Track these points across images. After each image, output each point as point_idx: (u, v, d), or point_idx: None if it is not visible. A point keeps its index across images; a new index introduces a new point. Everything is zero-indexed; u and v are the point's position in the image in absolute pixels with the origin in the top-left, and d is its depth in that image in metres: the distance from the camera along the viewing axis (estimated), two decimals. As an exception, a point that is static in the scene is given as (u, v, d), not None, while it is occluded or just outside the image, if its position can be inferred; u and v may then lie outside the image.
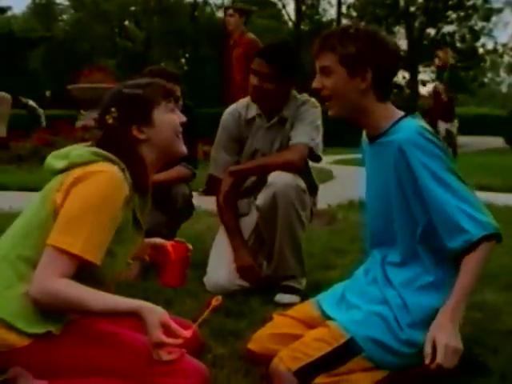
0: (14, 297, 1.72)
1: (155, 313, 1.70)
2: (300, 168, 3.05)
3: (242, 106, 3.30)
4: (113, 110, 1.88)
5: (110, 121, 1.87)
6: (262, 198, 3.01)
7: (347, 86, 2.00)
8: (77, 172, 1.76)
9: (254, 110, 3.25)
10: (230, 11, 6.82)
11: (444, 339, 1.81)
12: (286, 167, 3.00)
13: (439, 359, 1.79)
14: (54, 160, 1.85)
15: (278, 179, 2.95)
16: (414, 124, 1.97)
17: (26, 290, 1.71)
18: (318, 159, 3.17)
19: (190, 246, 2.11)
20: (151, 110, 1.90)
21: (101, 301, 1.71)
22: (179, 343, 1.70)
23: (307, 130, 3.11)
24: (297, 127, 3.13)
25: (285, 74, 3.08)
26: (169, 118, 1.92)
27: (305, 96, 3.25)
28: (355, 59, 1.97)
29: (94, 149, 1.84)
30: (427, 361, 1.81)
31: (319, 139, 3.15)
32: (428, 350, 1.82)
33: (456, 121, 12.74)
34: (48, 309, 1.71)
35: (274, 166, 3.04)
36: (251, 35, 7.03)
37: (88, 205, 1.71)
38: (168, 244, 2.09)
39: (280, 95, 3.14)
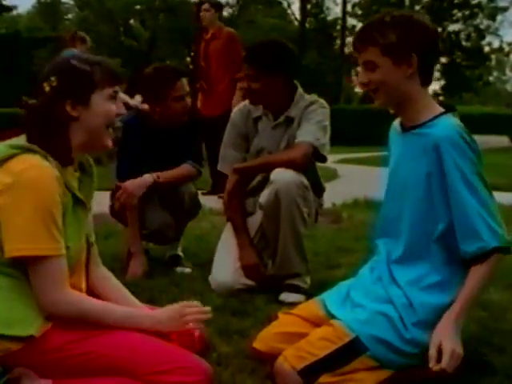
0: None
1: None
2: (303, 166, 3.04)
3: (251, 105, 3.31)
4: (53, 78, 1.79)
5: (47, 89, 1.79)
6: (264, 196, 3.01)
7: (394, 76, 1.97)
8: (3, 173, 1.70)
9: (260, 109, 3.26)
10: (206, 6, 6.80)
11: (450, 345, 1.82)
12: (288, 165, 3.00)
13: (444, 364, 1.80)
14: None
15: (281, 176, 2.95)
16: (454, 122, 1.96)
17: (2, 297, 1.71)
18: (323, 160, 3.16)
19: (197, 333, 1.98)
20: (92, 90, 1.82)
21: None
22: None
23: (313, 130, 3.11)
24: (303, 126, 3.13)
25: (266, 71, 3.08)
26: (106, 106, 1.84)
27: (313, 96, 3.25)
28: (398, 47, 1.94)
29: (11, 142, 1.77)
30: (431, 364, 1.81)
31: (325, 140, 3.14)
32: (433, 353, 1.82)
33: None
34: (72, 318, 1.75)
35: (277, 163, 3.04)
36: (229, 29, 7.10)
37: (33, 207, 1.67)
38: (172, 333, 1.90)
39: (270, 93, 3.13)
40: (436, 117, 1.99)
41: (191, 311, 1.86)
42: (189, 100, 3.50)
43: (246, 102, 3.35)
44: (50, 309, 1.72)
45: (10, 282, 1.73)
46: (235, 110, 3.37)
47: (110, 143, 1.88)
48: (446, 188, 1.93)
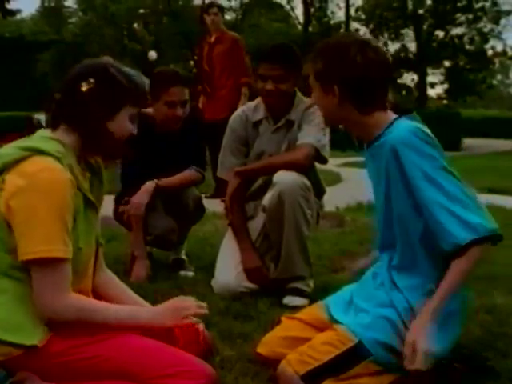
0: None
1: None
2: (305, 167, 3.05)
3: (249, 109, 3.31)
4: (91, 80, 1.81)
5: (84, 88, 1.81)
6: (268, 198, 3.02)
7: (324, 101, 2.02)
8: (15, 176, 1.71)
9: (261, 113, 3.26)
10: (215, 10, 6.85)
11: (424, 344, 1.80)
12: (291, 166, 3.01)
13: (418, 365, 1.79)
14: None
15: (283, 178, 2.95)
16: (408, 124, 1.94)
17: (4, 301, 1.71)
18: (324, 161, 3.17)
19: (201, 327, 1.99)
20: (122, 106, 1.85)
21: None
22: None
23: (313, 132, 3.12)
24: (303, 128, 3.15)
25: (294, 71, 3.11)
26: (126, 124, 1.87)
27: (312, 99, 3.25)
28: (323, 75, 1.99)
29: (23, 143, 1.78)
30: (406, 363, 1.81)
31: (326, 141, 3.15)
32: (407, 352, 1.82)
33: None
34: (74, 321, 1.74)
35: (280, 165, 3.04)
36: (233, 33, 7.13)
37: (44, 209, 1.68)
38: (176, 327, 1.93)
39: (292, 93, 3.17)
40: (390, 125, 1.98)
41: (188, 304, 1.86)
42: (183, 110, 3.44)
43: (244, 106, 3.35)
44: (48, 312, 1.72)
45: (19, 287, 1.73)
46: (233, 115, 3.37)
47: (119, 158, 1.96)
48: (413, 192, 1.91)
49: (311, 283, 3.13)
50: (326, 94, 2.00)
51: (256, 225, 3.26)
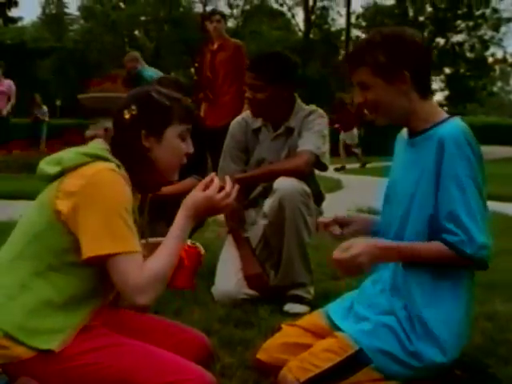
0: (16, 308, 1.71)
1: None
2: (305, 173, 3.06)
3: (249, 116, 3.32)
4: (133, 107, 1.85)
5: (127, 116, 1.85)
6: (268, 204, 3.02)
7: (388, 94, 1.98)
8: (75, 178, 1.73)
9: (260, 120, 3.27)
10: (218, 17, 6.82)
11: (358, 250, 1.90)
12: (291, 173, 3.01)
13: (337, 255, 1.96)
14: (47, 166, 1.81)
15: (284, 184, 2.96)
16: (461, 124, 1.95)
17: (28, 301, 1.71)
18: (324, 168, 3.18)
19: (203, 251, 2.09)
20: (167, 125, 1.87)
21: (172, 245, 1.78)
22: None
23: (313, 138, 3.13)
24: (303, 136, 3.15)
25: (273, 82, 3.10)
26: (176, 142, 1.89)
27: (312, 106, 3.28)
28: (388, 66, 1.95)
29: (84, 149, 1.81)
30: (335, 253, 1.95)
31: (325, 148, 3.16)
32: (342, 246, 1.94)
33: (355, 130, 14.76)
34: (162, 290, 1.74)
35: (279, 171, 3.05)
36: (236, 40, 7.13)
37: (109, 205, 1.70)
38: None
39: (275, 104, 3.15)
40: (443, 120, 1.98)
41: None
42: None
43: (244, 113, 3.37)
44: (143, 302, 1.70)
45: (46, 291, 1.73)
46: (233, 122, 3.38)
47: (174, 179, 1.94)
48: (434, 185, 1.92)
49: (312, 290, 3.13)
50: (392, 85, 1.96)
51: (256, 232, 3.26)
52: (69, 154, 1.80)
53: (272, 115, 3.21)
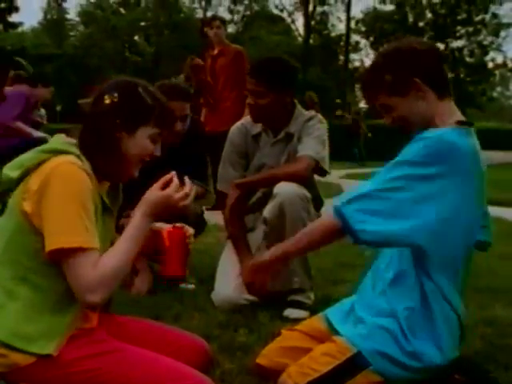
0: (7, 316, 1.71)
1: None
2: (305, 178, 3.06)
3: (248, 121, 3.32)
4: (115, 94, 1.83)
5: (107, 101, 1.83)
6: (268, 209, 3.02)
7: (409, 105, 1.99)
8: (37, 176, 1.72)
9: (259, 126, 3.27)
10: (218, 23, 6.85)
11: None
12: (291, 178, 3.01)
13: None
14: (10, 171, 1.79)
15: (284, 189, 2.96)
16: (459, 131, 1.91)
17: (17, 307, 1.71)
18: (324, 173, 3.18)
19: (190, 231, 1.99)
20: (143, 124, 1.85)
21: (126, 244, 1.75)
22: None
23: (313, 144, 3.13)
24: (303, 141, 3.16)
25: (275, 88, 3.10)
26: (146, 144, 1.87)
27: (312, 112, 3.28)
28: (397, 82, 1.97)
29: (43, 146, 1.79)
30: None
31: (325, 153, 3.16)
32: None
33: None
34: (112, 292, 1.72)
35: (280, 176, 3.05)
36: (237, 46, 7.13)
37: (67, 199, 1.68)
38: (164, 230, 1.98)
39: (276, 109, 3.15)
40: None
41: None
42: (182, 124, 3.43)
43: (244, 119, 3.36)
44: (93, 300, 1.68)
45: (33, 295, 1.73)
46: (233, 128, 3.37)
47: (134, 175, 1.91)
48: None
49: (312, 295, 3.12)
50: (408, 96, 1.98)
51: (256, 237, 3.26)
52: (28, 155, 1.78)
53: (273, 121, 3.21)
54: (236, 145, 3.32)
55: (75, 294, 1.70)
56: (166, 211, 1.85)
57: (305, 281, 3.08)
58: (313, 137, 3.15)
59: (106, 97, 1.83)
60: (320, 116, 3.26)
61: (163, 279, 2.03)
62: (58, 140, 1.84)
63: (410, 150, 1.88)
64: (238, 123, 3.38)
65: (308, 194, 3.01)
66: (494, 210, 5.92)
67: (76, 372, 1.72)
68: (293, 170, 3.06)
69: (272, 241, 3.08)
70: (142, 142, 1.86)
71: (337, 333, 2.01)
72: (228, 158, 3.34)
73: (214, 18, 7.27)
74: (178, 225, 1.91)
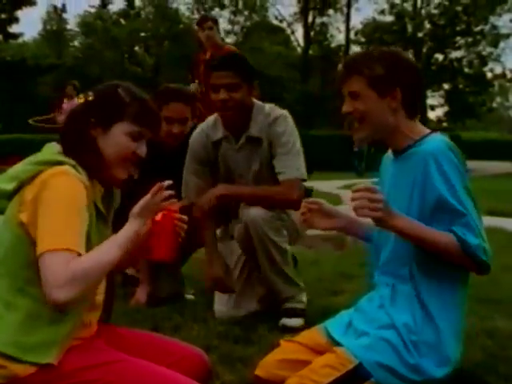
0: (6, 327, 1.70)
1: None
2: (300, 204, 3.00)
3: (208, 127, 3.24)
4: (90, 94, 1.83)
5: (81, 100, 1.84)
6: (236, 231, 3.07)
7: (378, 107, 2.01)
8: (32, 188, 1.71)
9: (220, 132, 3.18)
10: (209, 23, 6.32)
11: None
12: (288, 206, 3.04)
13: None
14: (4, 183, 1.77)
15: (247, 212, 2.98)
16: (443, 138, 1.98)
17: (16, 318, 1.69)
18: (308, 194, 3.17)
19: (180, 216, 1.91)
20: (117, 120, 1.83)
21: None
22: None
23: (293, 161, 3.07)
24: (280, 158, 3.07)
25: (247, 79, 3.07)
26: (123, 140, 1.83)
27: (272, 107, 3.19)
28: (384, 80, 1.99)
29: (37, 158, 1.78)
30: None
31: (303, 163, 3.11)
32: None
33: None
34: (82, 294, 1.66)
35: (276, 201, 3.04)
36: (230, 46, 6.77)
37: (60, 207, 1.67)
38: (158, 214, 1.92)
39: (246, 105, 3.09)
40: (425, 136, 2.02)
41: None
42: (181, 127, 3.39)
43: (204, 124, 3.27)
44: (57, 297, 1.62)
45: (32, 306, 1.71)
46: (193, 135, 3.29)
47: (121, 176, 1.87)
48: (425, 198, 1.93)
49: (304, 298, 3.12)
50: (383, 99, 2.00)
51: (236, 245, 3.22)
52: (23, 167, 1.77)
53: (238, 119, 3.11)
54: (196, 153, 3.25)
55: (44, 292, 1.64)
56: (151, 210, 1.83)
57: (288, 289, 3.08)
58: (287, 149, 3.08)
59: (80, 96, 1.85)
60: (284, 113, 3.14)
61: (154, 261, 1.95)
62: (51, 150, 1.83)
63: (446, 174, 1.90)
64: (198, 129, 3.29)
65: (270, 212, 2.98)
66: (495, 221, 5.94)
67: (77, 382, 1.71)
68: (289, 198, 3.00)
69: (247, 259, 3.16)
70: (118, 139, 1.83)
71: (338, 344, 2.00)
72: (190, 167, 3.28)
73: (205, 18, 6.72)
74: (171, 208, 1.85)
